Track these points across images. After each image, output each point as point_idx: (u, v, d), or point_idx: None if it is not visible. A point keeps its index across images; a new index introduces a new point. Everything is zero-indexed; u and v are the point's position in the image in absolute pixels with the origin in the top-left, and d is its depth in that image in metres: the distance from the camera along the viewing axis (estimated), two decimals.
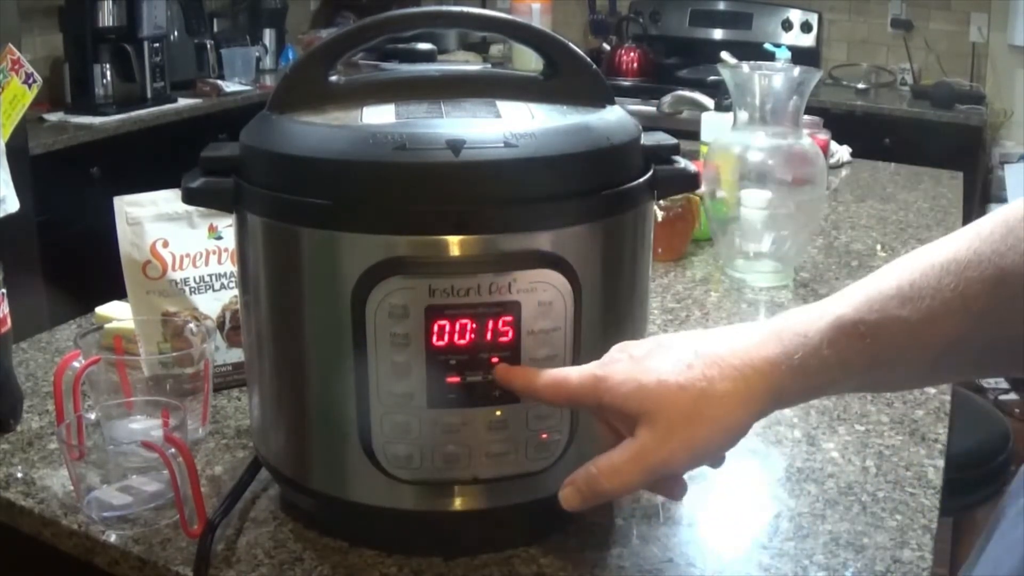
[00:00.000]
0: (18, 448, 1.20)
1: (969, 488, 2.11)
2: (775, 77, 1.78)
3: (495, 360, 0.92)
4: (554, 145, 0.91)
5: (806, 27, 4.69)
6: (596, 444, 0.89)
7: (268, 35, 4.97)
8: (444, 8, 1.05)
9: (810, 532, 1.06)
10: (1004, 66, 4.44)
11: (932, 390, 1.39)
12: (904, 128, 4.09)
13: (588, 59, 1.04)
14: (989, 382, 3.83)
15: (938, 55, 4.57)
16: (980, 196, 4.14)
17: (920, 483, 1.16)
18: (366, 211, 0.89)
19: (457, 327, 0.90)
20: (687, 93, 2.78)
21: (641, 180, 0.98)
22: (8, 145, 1.75)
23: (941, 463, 1.20)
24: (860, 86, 4.56)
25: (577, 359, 0.95)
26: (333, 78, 1.01)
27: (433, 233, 0.89)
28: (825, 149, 2.48)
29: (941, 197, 2.53)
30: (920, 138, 3.99)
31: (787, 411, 1.29)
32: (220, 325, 1.34)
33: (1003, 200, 3.99)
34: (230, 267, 1.35)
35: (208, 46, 4.56)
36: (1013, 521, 0.80)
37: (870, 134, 3.84)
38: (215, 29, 4.76)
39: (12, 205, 2.32)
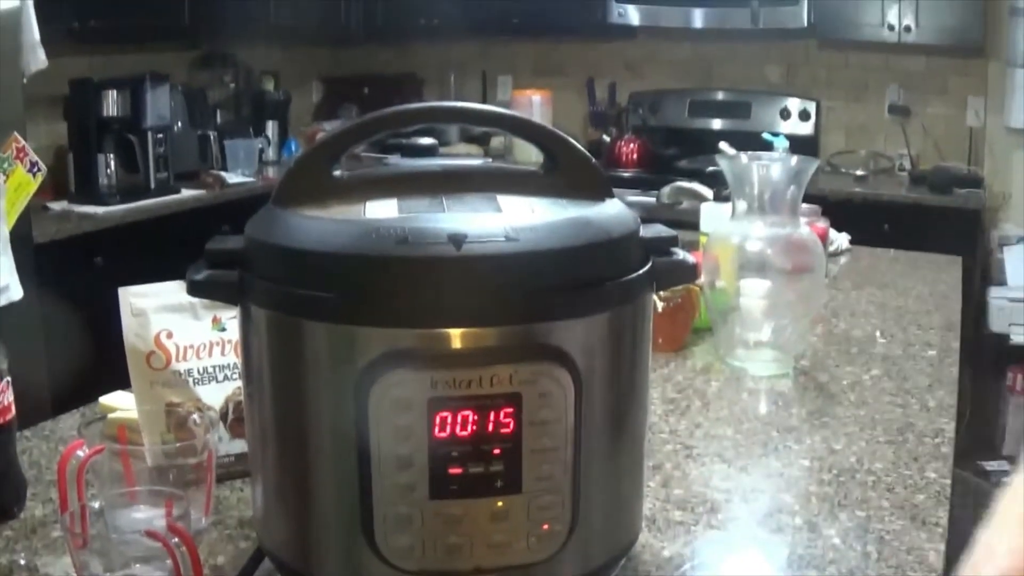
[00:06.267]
0: (22, 535, 1.20)
1: None
2: (773, 167, 1.80)
3: (497, 451, 0.92)
4: (554, 239, 0.92)
5: (804, 115, 4.74)
6: (597, 534, 0.89)
7: (271, 127, 5.00)
8: (445, 104, 1.08)
9: None
10: (1002, 149, 4.46)
11: (932, 474, 1.39)
12: (903, 214, 4.11)
13: (587, 153, 1.06)
14: (991, 464, 3.81)
15: (936, 140, 4.60)
16: (980, 279, 4.15)
17: (922, 567, 1.15)
18: (369, 304, 0.90)
19: (459, 419, 0.91)
20: (686, 184, 2.81)
21: (640, 272, 0.99)
22: (12, 233, 1.77)
23: (942, 547, 1.20)
24: (859, 172, 4.57)
25: (578, 450, 0.95)
26: (336, 172, 1.03)
27: (435, 326, 0.90)
28: (824, 237, 2.49)
29: (940, 282, 2.54)
30: (919, 223, 4.01)
31: (788, 498, 1.30)
32: (223, 416, 1.35)
33: (1003, 283, 4.00)
34: (234, 358, 1.36)
35: (211, 137, 4.59)
36: None
37: (869, 220, 3.85)
38: (218, 120, 4.80)
39: (16, 293, 2.34)
